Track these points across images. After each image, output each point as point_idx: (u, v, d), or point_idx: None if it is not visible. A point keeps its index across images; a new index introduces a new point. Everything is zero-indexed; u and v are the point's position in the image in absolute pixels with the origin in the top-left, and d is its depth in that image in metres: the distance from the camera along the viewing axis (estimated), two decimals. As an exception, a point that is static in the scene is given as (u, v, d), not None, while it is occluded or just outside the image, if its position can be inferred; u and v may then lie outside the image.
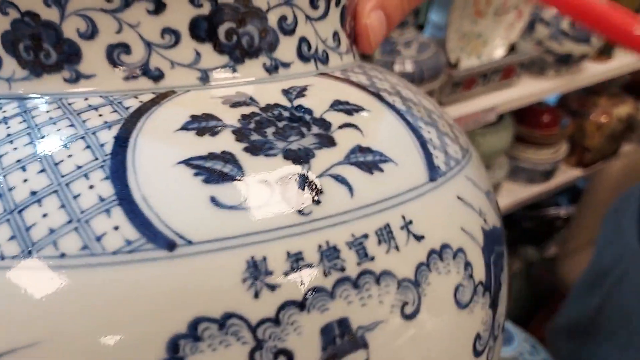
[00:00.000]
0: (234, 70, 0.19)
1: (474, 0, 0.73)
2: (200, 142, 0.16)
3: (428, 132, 0.21)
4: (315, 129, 0.18)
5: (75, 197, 0.15)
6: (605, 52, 1.00)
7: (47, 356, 0.14)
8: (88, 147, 0.16)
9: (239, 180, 0.16)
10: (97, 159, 0.16)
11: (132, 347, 0.14)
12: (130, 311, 0.14)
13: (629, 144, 1.25)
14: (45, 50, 0.18)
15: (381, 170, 0.18)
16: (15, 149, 0.16)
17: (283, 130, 0.18)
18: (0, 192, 0.15)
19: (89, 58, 0.18)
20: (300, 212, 0.16)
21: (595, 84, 1.02)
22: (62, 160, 0.16)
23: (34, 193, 0.15)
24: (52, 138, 0.17)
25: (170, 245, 0.15)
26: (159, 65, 0.18)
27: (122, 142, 0.16)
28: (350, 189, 0.17)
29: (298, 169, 0.17)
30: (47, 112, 0.17)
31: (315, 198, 0.16)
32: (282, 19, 0.20)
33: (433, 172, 0.20)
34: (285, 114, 0.18)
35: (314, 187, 0.16)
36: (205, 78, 0.19)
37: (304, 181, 0.16)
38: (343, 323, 0.16)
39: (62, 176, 0.16)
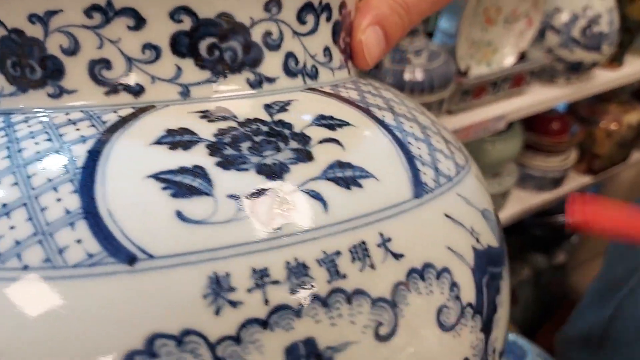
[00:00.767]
0: (216, 86, 0.19)
1: (484, 8, 0.72)
2: (172, 156, 0.16)
3: (418, 147, 0.21)
4: (294, 144, 0.18)
5: (42, 209, 0.15)
6: (615, 60, 0.98)
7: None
8: (61, 160, 0.16)
9: (208, 194, 0.16)
10: (68, 172, 0.16)
11: (86, 361, 0.14)
12: (87, 325, 0.14)
13: (639, 152, 1.23)
14: (31, 66, 0.18)
15: (360, 185, 0.17)
16: (-6, 160, 0.17)
17: (259, 145, 0.17)
18: None
19: (72, 73, 0.18)
20: (268, 227, 0.15)
21: (605, 91, 1.01)
22: (34, 174, 0.16)
23: (4, 205, 0.15)
24: (29, 152, 0.17)
25: (131, 259, 0.14)
26: (139, 80, 0.18)
27: (94, 155, 0.16)
28: (325, 204, 0.16)
29: (270, 184, 0.16)
30: (29, 127, 0.18)
31: (286, 214, 0.16)
32: (267, 34, 0.19)
33: (418, 188, 0.19)
34: (264, 128, 0.18)
35: (285, 202, 0.16)
36: (186, 93, 0.18)
37: (275, 196, 0.16)
38: (310, 343, 0.15)
39: (33, 189, 0.16)
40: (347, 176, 0.17)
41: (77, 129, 0.17)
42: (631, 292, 0.43)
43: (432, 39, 0.78)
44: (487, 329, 0.20)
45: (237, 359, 0.14)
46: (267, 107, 0.19)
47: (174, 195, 0.15)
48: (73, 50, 0.18)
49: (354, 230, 0.16)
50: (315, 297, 0.15)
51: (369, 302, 0.16)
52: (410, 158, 0.20)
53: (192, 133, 0.17)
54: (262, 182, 0.16)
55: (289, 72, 0.20)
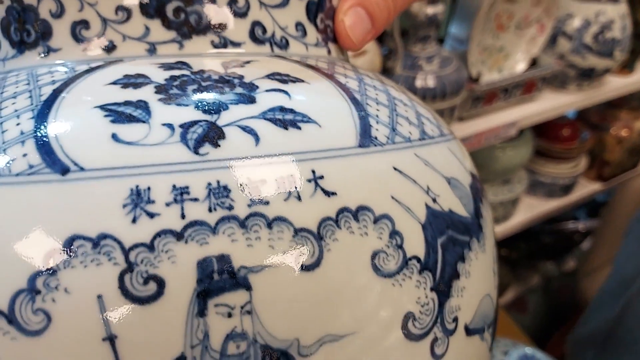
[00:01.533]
0: (181, 45, 0.20)
1: (495, 14, 0.71)
2: (122, 93, 0.18)
3: (377, 109, 0.21)
4: (239, 90, 0.19)
5: (3, 131, 0.17)
6: (627, 66, 0.94)
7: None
8: (30, 97, 0.18)
9: (144, 122, 0.17)
10: (32, 104, 0.18)
11: (14, 256, 0.15)
12: (16, 225, 0.15)
13: (651, 159, 1.13)
14: (27, 30, 0.21)
15: (298, 128, 0.18)
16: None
17: (205, 88, 0.18)
18: None
19: (58, 34, 0.20)
20: (196, 152, 0.16)
21: (616, 98, 0.98)
22: (6, 107, 0.18)
23: (-25, 130, 0.17)
24: (8, 92, 0.19)
25: (64, 170, 0.16)
26: (112, 38, 0.20)
27: (57, 92, 0.18)
28: (257, 138, 0.17)
29: (205, 116, 0.17)
30: (16, 76, 0.20)
31: (216, 142, 0.17)
32: (232, 2, 0.21)
33: (365, 140, 0.19)
34: (214, 77, 0.19)
35: (216, 132, 0.17)
36: (152, 50, 0.20)
37: (208, 127, 0.17)
38: (223, 259, 0.15)
39: (1, 117, 0.18)
40: (286, 119, 0.18)
41: (52, 76, 0.19)
42: None
43: (443, 44, 0.78)
44: (442, 290, 0.19)
45: (148, 265, 0.15)
46: (225, 63, 0.20)
47: (113, 121, 0.17)
48: (59, 13, 0.20)
49: (284, 165, 0.17)
50: (233, 217, 0.16)
51: (290, 230, 0.16)
52: (362, 116, 0.20)
53: (146, 77, 0.19)
54: (197, 115, 0.17)
55: (256, 40, 0.22)
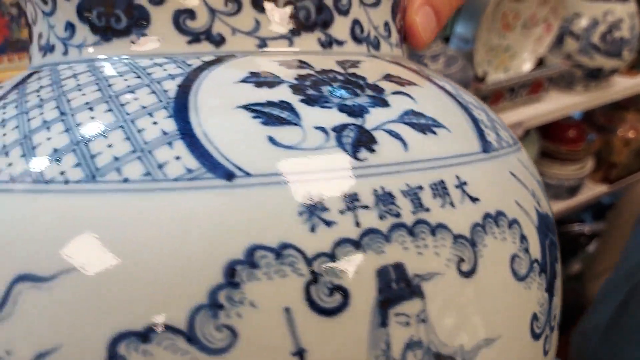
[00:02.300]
0: (291, 42, 0.20)
1: (502, 14, 0.74)
2: (259, 92, 0.17)
3: (479, 113, 0.22)
4: (369, 92, 0.19)
5: (139, 131, 0.16)
6: (634, 67, 0.96)
7: (109, 274, 0.14)
8: (153, 92, 0.17)
9: (296, 125, 0.16)
10: (161, 101, 0.17)
11: (190, 269, 0.14)
12: (188, 235, 0.14)
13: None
14: (116, 15, 0.19)
15: (434, 133, 0.18)
16: (84, 94, 0.17)
17: (338, 89, 0.18)
18: (67, 127, 0.16)
19: (157, 23, 0.19)
20: (355, 157, 0.16)
21: (622, 99, 1.00)
22: (128, 102, 0.17)
23: (99, 128, 0.16)
24: (119, 86, 0.17)
25: (229, 175, 0.15)
26: (221, 31, 0.19)
27: (184, 89, 0.17)
28: (405, 143, 0.17)
29: (353, 120, 0.17)
30: (114, 67, 0.19)
31: (370, 147, 0.17)
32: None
33: (485, 144, 0.20)
34: (340, 77, 0.19)
35: (368, 136, 0.17)
36: (263, 45, 0.20)
37: (358, 130, 0.17)
38: (399, 268, 0.15)
39: (128, 114, 0.16)
40: (421, 123, 0.18)
41: (164, 70, 0.18)
42: None
43: (448, 43, 0.79)
44: (550, 290, 0.20)
45: (332, 276, 0.15)
46: (339, 62, 0.20)
47: (265, 123, 0.16)
48: (159, 0, 0.19)
49: (433, 170, 0.17)
50: (402, 225, 0.16)
51: (450, 237, 0.17)
52: (474, 119, 0.21)
53: (275, 76, 0.18)
54: (345, 118, 0.17)
55: (355, 38, 0.21)
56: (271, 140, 0.16)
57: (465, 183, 0.18)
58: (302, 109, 0.17)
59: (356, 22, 0.22)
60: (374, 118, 0.17)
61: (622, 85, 0.96)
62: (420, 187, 0.17)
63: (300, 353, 0.14)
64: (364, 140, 0.17)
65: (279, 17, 0.20)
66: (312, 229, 0.15)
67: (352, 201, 0.15)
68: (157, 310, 0.14)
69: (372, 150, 0.17)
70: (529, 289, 0.19)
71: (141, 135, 0.16)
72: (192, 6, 0.19)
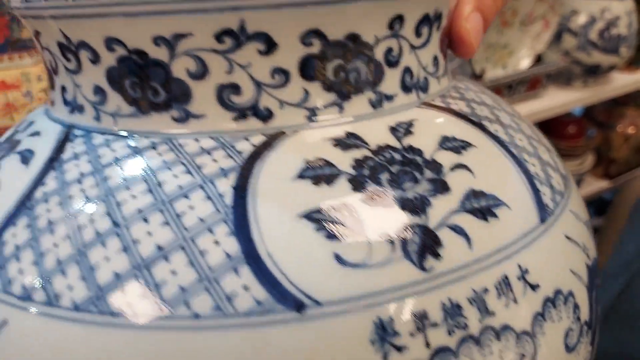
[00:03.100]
0: (341, 108, 0.19)
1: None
2: (318, 192, 0.17)
3: (533, 165, 0.21)
4: (428, 173, 0.18)
5: (202, 253, 0.15)
6: (633, 63, 0.98)
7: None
8: (208, 197, 0.16)
9: (360, 235, 0.16)
10: (218, 211, 0.16)
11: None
12: (263, 374, 0.15)
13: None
14: (153, 88, 0.18)
15: (496, 216, 0.18)
16: (134, 197, 0.17)
17: (397, 177, 0.18)
18: (125, 245, 0.16)
19: (199, 98, 0.18)
20: (422, 267, 0.16)
21: (622, 95, 1.00)
22: (184, 212, 0.16)
23: (160, 248, 0.16)
24: (171, 186, 0.17)
25: (299, 307, 0.15)
26: (268, 104, 0.18)
27: (241, 192, 0.17)
28: (468, 239, 0.17)
29: (416, 219, 0.17)
30: (160, 155, 0.18)
31: (436, 251, 0.16)
32: (388, 51, 0.19)
33: (543, 212, 0.20)
34: (397, 156, 0.18)
35: (433, 239, 0.17)
36: (312, 116, 0.19)
37: (423, 234, 0.17)
38: (465, 380, 0.16)
39: (186, 229, 0.16)
40: (482, 206, 0.18)
41: (214, 160, 0.17)
42: None
43: None
44: (593, 340, 0.21)
45: (403, 400, 0.15)
46: (393, 130, 0.19)
47: (329, 237, 0.16)
48: (201, 74, 0.18)
49: (497, 265, 0.17)
50: (470, 337, 0.16)
51: (514, 336, 0.17)
52: (530, 178, 0.20)
53: (331, 165, 0.17)
54: (408, 219, 0.17)
55: (405, 88, 0.20)
56: (338, 258, 0.16)
57: (526, 271, 0.18)
58: (364, 213, 0.16)
59: (406, 70, 0.20)
60: (437, 212, 0.17)
61: (621, 82, 0.96)
62: (486, 290, 0.17)
63: None
64: (429, 245, 0.17)
65: (329, 84, 0.18)
66: (385, 357, 0.15)
67: (421, 320, 0.16)
68: None
69: (437, 256, 0.16)
70: (578, 354, 0.20)
71: (205, 259, 0.15)
72: (236, 80, 0.18)
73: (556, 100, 0.85)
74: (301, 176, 0.17)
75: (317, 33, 0.18)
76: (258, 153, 0.18)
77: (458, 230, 0.17)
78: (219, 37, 0.17)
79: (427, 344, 0.16)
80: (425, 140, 0.19)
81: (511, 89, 0.79)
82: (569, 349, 0.19)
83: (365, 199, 0.17)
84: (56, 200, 0.18)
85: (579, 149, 1.00)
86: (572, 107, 0.90)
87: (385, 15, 0.19)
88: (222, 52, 0.17)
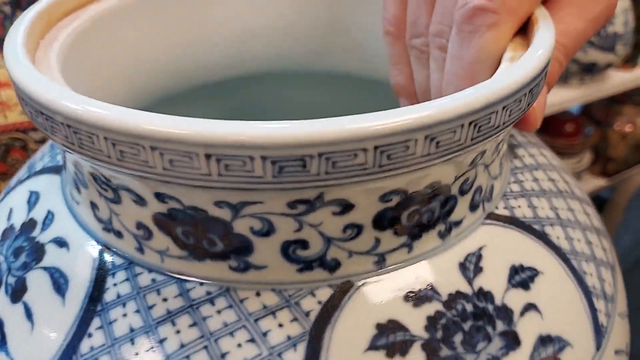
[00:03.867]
0: (410, 249, 0.18)
1: None
2: (392, 367, 0.16)
3: (590, 274, 0.21)
4: (500, 325, 0.18)
5: None
6: (630, 61, 0.96)
7: None
8: (278, 377, 0.16)
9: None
10: (291, 396, 0.16)
11: None
12: None
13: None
14: (210, 239, 0.16)
15: (560, 362, 0.18)
16: (196, 370, 0.16)
17: (470, 336, 0.17)
18: None
19: (261, 251, 0.16)
20: None
21: (619, 93, 1.00)
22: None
23: None
24: (235, 359, 0.16)
25: None
26: (336, 256, 0.17)
27: (312, 372, 0.16)
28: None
29: (490, 389, 0.17)
30: (219, 312, 0.17)
31: (507, 422, 0.17)
32: (465, 182, 0.18)
33: (599, 336, 0.20)
34: (469, 307, 0.18)
35: (506, 410, 0.17)
36: (381, 261, 0.17)
37: (496, 404, 0.17)
38: None
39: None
40: (549, 355, 0.18)
41: (280, 324, 0.16)
42: (634, 264, 0.46)
43: None
44: None
45: None
46: (462, 267, 0.18)
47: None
48: (266, 232, 0.16)
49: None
50: None
51: None
52: (589, 297, 0.20)
53: (404, 328, 0.17)
54: (483, 389, 0.17)
55: (473, 208, 0.19)
56: None
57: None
58: (439, 387, 0.16)
59: (477, 190, 0.19)
60: (508, 374, 0.17)
61: (618, 80, 0.94)
62: None
63: None
64: (501, 416, 0.17)
65: (400, 230, 0.17)
66: None
67: None
68: None
69: None
70: None
71: None
72: (304, 237, 0.16)
73: (553, 98, 0.85)
74: (374, 347, 0.16)
75: (398, 191, 0.16)
76: (327, 316, 0.17)
77: (527, 392, 0.17)
78: (292, 204, 0.15)
79: None
80: (495, 277, 0.18)
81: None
82: None
83: (440, 371, 0.16)
84: (105, 353, 0.17)
85: (576, 147, 1.01)
86: (569, 106, 0.90)
87: (470, 157, 0.17)
88: (294, 215, 0.16)
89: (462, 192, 0.18)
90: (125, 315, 0.17)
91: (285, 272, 0.17)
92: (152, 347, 0.16)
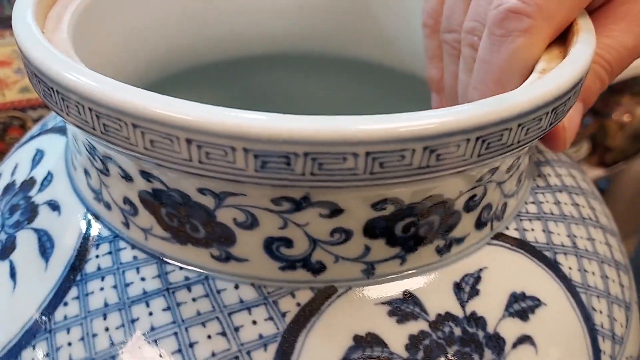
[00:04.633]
0: (403, 261, 0.17)
1: None
2: (365, 384, 0.16)
3: (600, 311, 0.20)
4: (488, 355, 0.17)
5: None
6: None
7: None
8: (244, 375, 0.15)
9: None
10: (254, 397, 0.15)
11: None
12: None
13: (654, 144, 1.18)
14: (193, 225, 0.16)
15: (549, 403, 0.17)
16: (161, 356, 0.16)
17: (453, 361, 0.16)
18: None
19: (244, 244, 0.16)
20: None
21: (617, 83, 0.95)
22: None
23: None
24: (203, 350, 0.16)
25: None
26: (321, 258, 0.16)
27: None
28: None
29: (466, 421, 0.16)
30: (194, 300, 0.16)
31: None
32: (471, 198, 0.17)
33: (598, 377, 0.19)
34: (457, 331, 0.17)
35: None
36: (369, 271, 0.17)
37: None
38: None
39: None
40: (538, 394, 0.17)
41: (254, 322, 0.16)
42: None
43: None
44: None
45: None
46: (457, 288, 0.17)
47: None
48: (249, 225, 0.16)
49: None
50: None
51: None
52: (594, 336, 0.19)
53: (382, 344, 0.16)
54: (458, 421, 0.16)
55: (479, 226, 0.18)
56: None
57: None
58: (411, 413, 0.16)
59: (485, 208, 0.18)
60: (489, 408, 0.16)
61: None
62: None
63: None
64: None
65: (394, 240, 0.16)
66: None
67: None
68: None
69: None
70: None
71: None
72: (289, 235, 0.16)
73: None
74: (348, 359, 0.16)
75: (393, 201, 0.15)
76: (304, 320, 0.16)
77: None
78: (276, 201, 0.15)
79: None
80: (491, 302, 0.17)
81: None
82: None
83: (415, 395, 0.16)
84: (78, 333, 0.16)
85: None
86: None
87: (478, 174, 0.16)
88: (278, 212, 0.15)
89: (468, 208, 0.17)
90: (102, 289, 0.17)
91: (267, 269, 0.16)
92: (122, 325, 0.16)
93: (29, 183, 0.20)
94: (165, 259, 0.17)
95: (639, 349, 0.22)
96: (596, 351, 0.19)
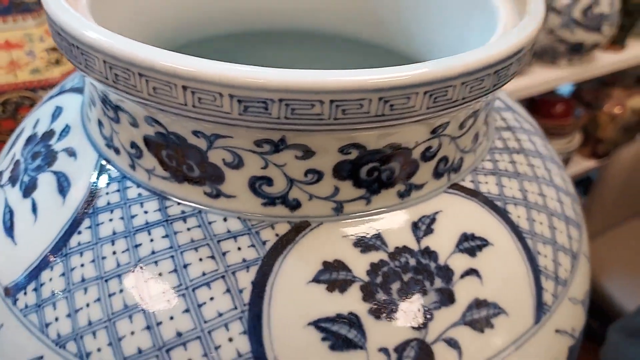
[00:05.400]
0: (368, 202, 0.20)
1: None
2: (329, 300, 0.19)
3: (545, 256, 0.22)
4: (438, 282, 0.20)
5: (216, 347, 0.18)
6: (618, 42, 1.00)
7: None
8: (228, 290, 0.18)
9: (362, 348, 0.18)
10: (236, 307, 0.18)
11: None
12: None
13: (644, 135, 1.23)
14: (188, 165, 0.19)
15: (492, 326, 0.20)
16: (161, 275, 0.19)
17: (407, 286, 0.19)
18: (149, 324, 0.18)
19: (231, 182, 0.19)
20: (411, 381, 0.19)
21: (609, 75, 1.03)
22: (204, 303, 0.18)
23: (179, 334, 0.18)
24: (196, 271, 0.19)
25: (297, 410, 0.18)
26: (297, 196, 0.19)
27: (259, 290, 0.18)
28: (460, 352, 0.19)
29: (416, 334, 0.19)
30: (189, 230, 0.19)
31: (427, 366, 0.19)
32: (427, 149, 0.20)
33: (539, 312, 0.21)
34: (412, 262, 0.20)
35: (426, 352, 0.19)
36: (339, 209, 0.20)
37: (419, 348, 0.19)
38: None
39: (205, 322, 0.18)
40: (482, 317, 0.20)
41: (239, 248, 0.19)
42: None
43: None
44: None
45: None
46: (415, 227, 0.20)
47: (332, 347, 0.18)
48: (236, 165, 0.18)
49: (481, 376, 0.20)
50: None
51: None
52: (537, 276, 0.22)
53: (347, 269, 0.19)
54: (409, 333, 0.19)
55: (437, 175, 0.21)
56: (337, 370, 0.18)
57: (508, 378, 0.20)
58: (369, 325, 0.19)
59: (442, 160, 0.21)
60: (437, 326, 0.19)
61: (606, 61, 0.98)
62: (465, 399, 0.19)
63: None
64: (421, 359, 0.19)
65: (360, 182, 0.19)
66: None
67: None
68: None
69: (427, 370, 0.19)
70: None
71: (218, 353, 0.18)
72: (269, 175, 0.19)
73: (541, 77, 0.89)
74: (317, 280, 0.19)
75: (357, 145, 0.18)
76: (281, 248, 0.19)
77: (452, 343, 0.19)
78: (258, 143, 0.18)
79: None
80: (443, 240, 0.20)
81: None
82: None
83: (373, 311, 0.19)
84: (90, 256, 0.20)
85: (567, 127, 1.05)
86: (558, 85, 0.94)
87: (430, 126, 0.19)
88: (260, 153, 0.18)
89: (425, 158, 0.20)
90: (111, 220, 0.20)
91: (251, 204, 0.19)
92: (127, 249, 0.19)
93: (49, 134, 0.24)
94: (166, 195, 0.20)
95: (586, 295, 0.25)
96: (539, 288, 0.22)
